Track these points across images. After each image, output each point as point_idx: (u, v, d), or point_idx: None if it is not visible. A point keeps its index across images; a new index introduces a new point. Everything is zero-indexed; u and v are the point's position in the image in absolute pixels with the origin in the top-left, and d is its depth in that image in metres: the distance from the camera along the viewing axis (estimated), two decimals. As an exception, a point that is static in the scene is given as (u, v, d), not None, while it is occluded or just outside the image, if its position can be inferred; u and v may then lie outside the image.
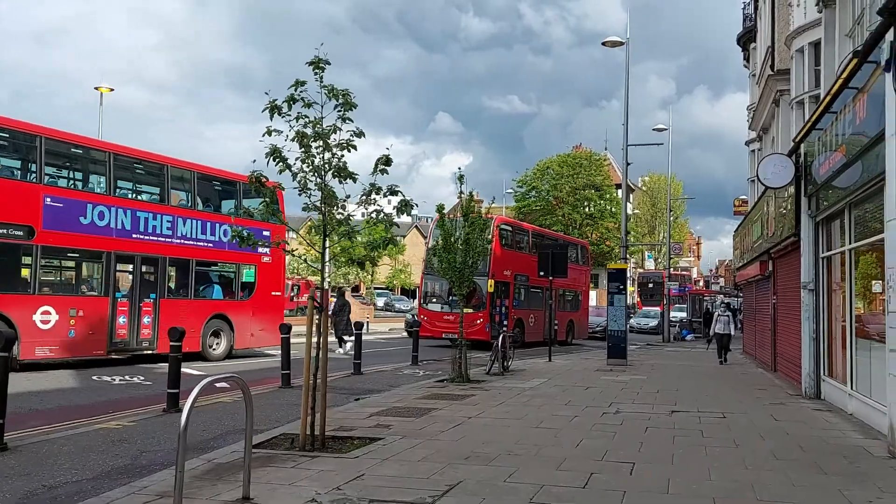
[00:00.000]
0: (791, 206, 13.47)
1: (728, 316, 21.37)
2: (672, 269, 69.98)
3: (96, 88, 31.95)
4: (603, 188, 63.86)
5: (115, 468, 6.66)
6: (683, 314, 41.00)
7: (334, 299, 22.03)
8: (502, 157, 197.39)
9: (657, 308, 42.94)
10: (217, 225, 17.90)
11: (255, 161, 7.25)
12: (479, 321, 23.54)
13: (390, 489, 5.75)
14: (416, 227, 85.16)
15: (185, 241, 17.06)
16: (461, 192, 14.68)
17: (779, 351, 17.29)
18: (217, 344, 17.94)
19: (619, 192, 77.72)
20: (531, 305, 27.14)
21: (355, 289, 70.18)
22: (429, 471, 6.40)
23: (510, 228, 27.55)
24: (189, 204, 17.62)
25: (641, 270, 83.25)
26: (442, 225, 14.66)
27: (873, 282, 9.34)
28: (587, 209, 63.85)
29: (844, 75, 8.98)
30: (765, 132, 21.77)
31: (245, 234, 7.43)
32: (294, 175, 7.38)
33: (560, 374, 16.26)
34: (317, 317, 7.66)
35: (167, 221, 16.69)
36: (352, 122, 7.73)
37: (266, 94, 7.51)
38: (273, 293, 19.65)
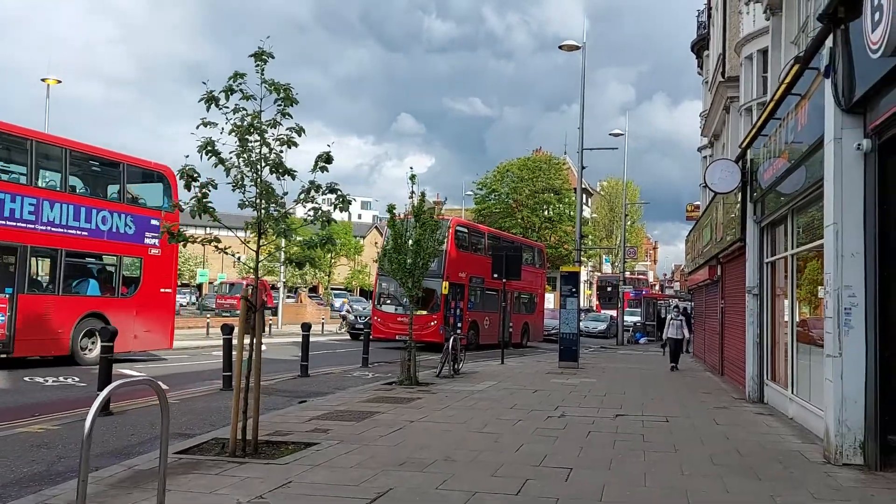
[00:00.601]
0: (738, 211, 13.61)
1: (681, 321, 20.71)
2: (629, 273, 71.09)
3: (43, 80, 30.96)
4: (562, 192, 64.26)
5: (28, 475, 6.32)
6: (637, 318, 41.35)
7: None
8: (464, 159, 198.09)
9: (608, 312, 43.31)
10: (94, 211, 15.92)
11: (188, 156, 6.97)
12: (432, 323, 23.37)
13: (316, 497, 5.54)
14: (375, 227, 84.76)
15: (53, 229, 14.98)
16: (412, 193, 14.50)
17: (726, 355, 17.49)
18: (92, 345, 15.76)
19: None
20: (486, 307, 26.98)
21: (313, 289, 69.50)
22: (360, 478, 6.19)
23: (466, 230, 27.43)
24: (59, 186, 15.40)
25: (599, 274, 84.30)
26: (393, 225, 14.45)
27: (819, 287, 9.43)
28: (546, 212, 64.16)
29: (787, 80, 9.05)
30: (716, 139, 22.07)
31: (172, 231, 7.12)
32: (227, 170, 7.11)
33: (511, 376, 16.18)
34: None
35: (30, 205, 14.55)
36: (291, 117, 7.51)
37: (204, 83, 7.25)
38: (162, 290, 17.67)
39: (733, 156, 16.22)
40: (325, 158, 7.74)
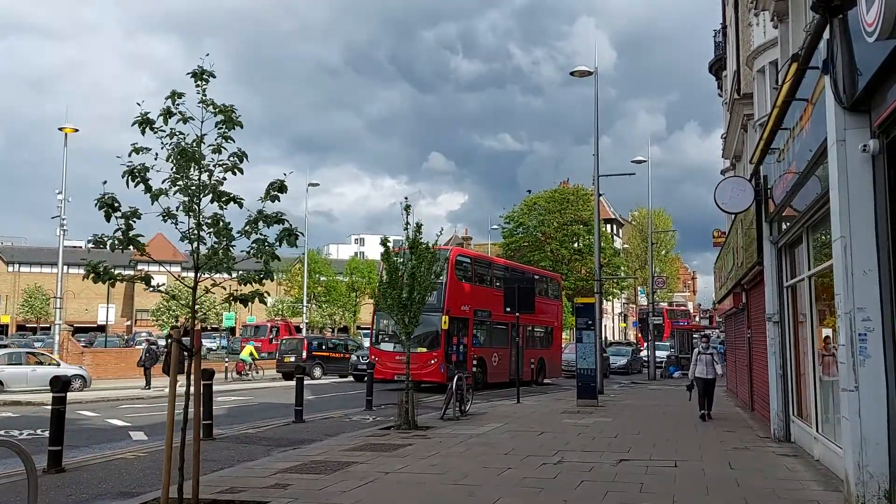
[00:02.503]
0: (755, 232, 12.60)
1: (711, 354, 15.47)
2: (667, 304, 69.10)
3: (60, 129, 31.29)
4: (591, 223, 62.98)
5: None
6: (667, 352, 39.56)
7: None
8: (495, 194, 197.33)
9: (626, 346, 41.49)
10: None
11: (105, 182, 6.32)
12: (432, 361, 21.91)
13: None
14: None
15: None
16: (407, 224, 13.78)
17: (755, 388, 16.24)
18: None
19: (609, 226, 77.42)
20: (494, 343, 25.33)
21: (343, 329, 68.94)
22: (290, 546, 5.36)
23: (469, 260, 25.82)
24: None
25: (634, 306, 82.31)
26: (387, 259, 13.74)
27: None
28: (575, 244, 63.01)
29: (788, 80, 8.17)
30: (737, 160, 21.05)
31: (101, 268, 6.46)
32: (154, 197, 6.45)
33: (521, 417, 15.17)
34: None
35: None
36: (233, 141, 6.88)
37: (138, 104, 6.65)
38: None
39: (752, 175, 15.25)
40: (279, 187, 7.07)
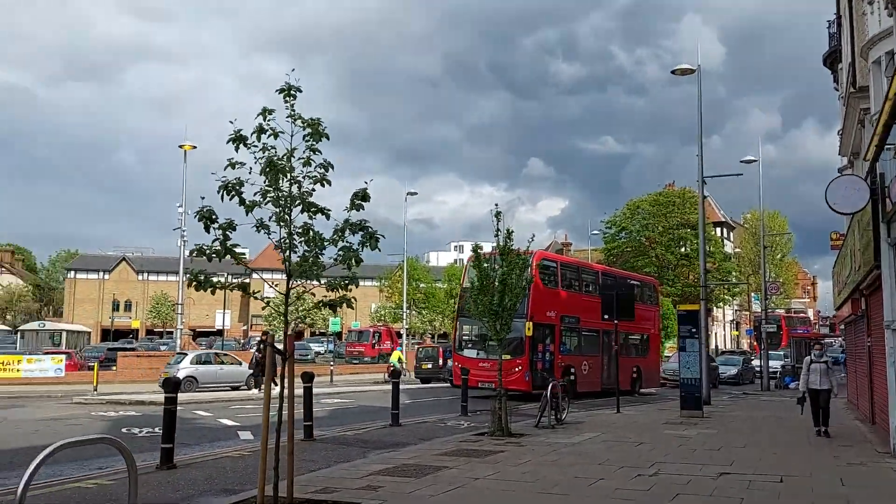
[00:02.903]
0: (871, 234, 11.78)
1: (826, 363, 14.26)
2: (784, 311, 65.48)
3: (180, 147, 33.39)
4: (698, 226, 60.87)
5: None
6: (781, 361, 37.42)
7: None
8: (598, 199, 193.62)
9: (742, 354, 39.31)
10: None
11: (203, 198, 6.72)
12: (517, 369, 21.10)
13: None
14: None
15: None
16: (498, 230, 13.81)
17: (875, 400, 15.15)
18: None
19: (718, 230, 74.33)
20: (583, 351, 24.41)
21: (443, 336, 69.61)
22: (373, 547, 5.48)
23: (554, 265, 24.83)
24: None
25: (748, 313, 78.50)
26: (478, 265, 13.79)
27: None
28: (682, 249, 60.89)
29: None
30: (855, 157, 19.76)
31: (202, 276, 6.86)
32: (248, 210, 6.78)
33: (620, 427, 14.81)
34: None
35: None
36: (321, 153, 7.14)
37: (231, 122, 7.02)
38: None
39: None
40: (361, 196, 7.29)
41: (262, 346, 23.12)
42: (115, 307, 77.12)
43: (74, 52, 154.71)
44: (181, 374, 23.44)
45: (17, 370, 28.70)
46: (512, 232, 13.74)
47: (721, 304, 68.23)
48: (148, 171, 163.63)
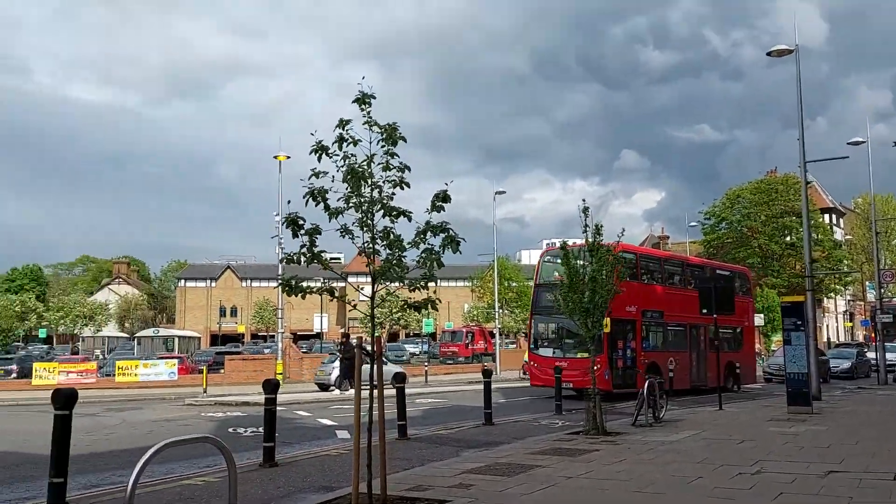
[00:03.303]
0: None
1: None
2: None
3: (275, 157, 34.67)
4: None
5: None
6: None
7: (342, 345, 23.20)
8: (695, 189, 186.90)
9: (858, 346, 36.83)
10: None
11: (290, 202, 6.99)
12: (595, 367, 20.69)
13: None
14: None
15: None
16: (586, 226, 13.63)
17: None
18: None
19: (826, 216, 70.34)
20: (669, 346, 23.21)
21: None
22: (463, 544, 5.54)
23: (633, 256, 23.31)
24: None
25: (862, 303, 73.92)
26: (567, 263, 13.65)
27: None
28: (787, 238, 58.10)
29: None
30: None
31: (293, 282, 7.12)
32: (332, 215, 6.99)
33: (721, 425, 14.30)
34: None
35: None
36: (398, 156, 7.28)
37: (312, 134, 7.27)
38: None
39: None
40: (442, 198, 7.37)
41: (342, 347, 23.82)
42: (222, 313, 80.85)
43: (176, 71, 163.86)
44: (333, 375, 25.01)
45: (135, 374, 30.61)
46: (601, 227, 13.53)
47: (832, 294, 64.63)
48: (247, 181, 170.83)
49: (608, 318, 19.77)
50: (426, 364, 35.28)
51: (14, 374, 33.63)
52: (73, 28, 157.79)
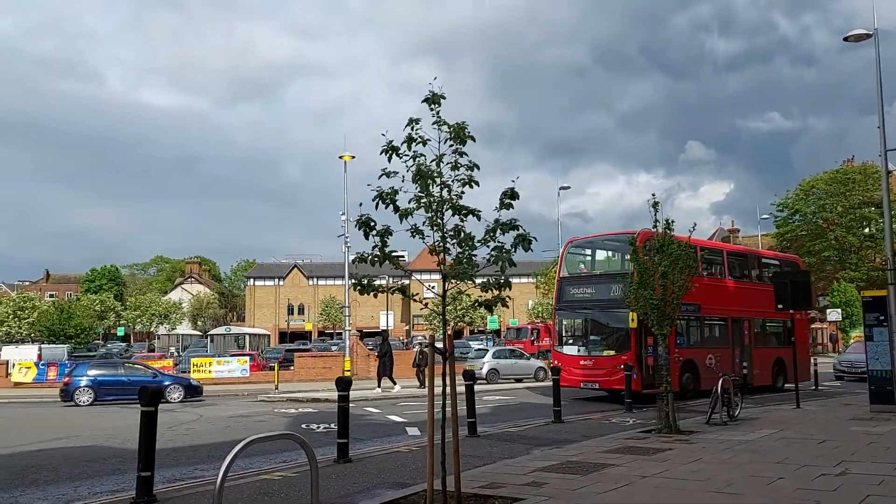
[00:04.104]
0: None
1: None
2: None
3: (340, 157, 35.21)
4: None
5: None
6: None
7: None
8: (765, 181, 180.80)
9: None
10: None
11: (361, 204, 7.09)
12: (622, 366, 18.64)
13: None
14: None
15: None
16: (656, 222, 13.38)
17: None
18: None
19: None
20: (707, 342, 21.48)
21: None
22: (540, 543, 5.53)
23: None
24: None
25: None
26: (636, 259, 13.44)
27: None
28: (866, 230, 55.72)
29: None
30: None
31: (366, 281, 7.24)
32: (402, 217, 7.07)
33: (799, 423, 13.85)
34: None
35: None
36: (466, 155, 7.30)
37: (383, 135, 7.36)
38: None
39: None
40: (510, 195, 7.37)
41: (380, 347, 24.29)
42: (290, 311, 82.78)
43: (241, 74, 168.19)
44: (485, 368, 26.75)
45: (209, 371, 31.58)
46: (672, 221, 13.27)
47: (916, 287, 61.65)
48: (310, 181, 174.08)
49: (634, 314, 18.06)
50: (492, 361, 35.21)
51: (97, 371, 35.12)
52: (141, 35, 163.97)
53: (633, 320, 18.42)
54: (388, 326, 45.86)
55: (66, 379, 22.95)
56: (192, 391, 22.80)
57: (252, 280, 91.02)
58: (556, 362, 20.80)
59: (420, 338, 52.35)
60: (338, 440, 9.91)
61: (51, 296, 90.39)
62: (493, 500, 7.22)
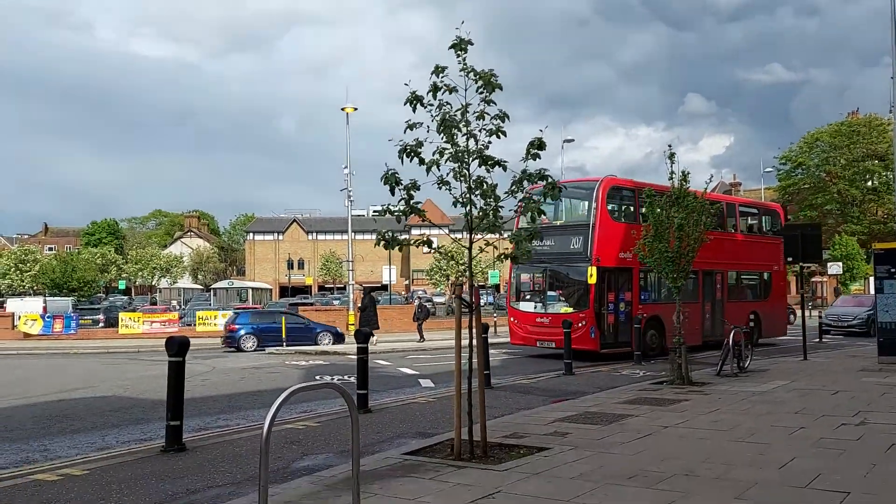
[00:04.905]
0: None
1: None
2: None
3: (342, 109, 34.76)
4: (887, 157, 55.09)
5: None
6: None
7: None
8: (766, 134, 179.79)
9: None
10: None
11: (386, 164, 6.96)
12: (580, 324, 17.54)
13: (515, 512, 5.07)
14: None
15: None
16: (672, 173, 13.26)
17: None
18: None
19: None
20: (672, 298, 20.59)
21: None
22: (576, 491, 5.58)
23: (630, 192, 19.34)
24: None
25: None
26: (652, 212, 13.34)
27: None
28: (869, 183, 55.50)
29: None
30: None
31: (390, 235, 7.17)
32: (428, 168, 6.95)
33: (809, 375, 13.97)
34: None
35: None
36: (495, 104, 7.16)
37: (405, 84, 7.19)
38: None
39: None
40: (537, 145, 7.27)
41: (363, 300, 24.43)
42: (290, 265, 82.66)
43: (233, 24, 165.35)
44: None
45: (214, 324, 31.71)
46: (688, 174, 13.13)
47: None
48: (307, 134, 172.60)
49: (594, 268, 17.58)
50: (494, 315, 35.43)
51: (101, 324, 35.28)
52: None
53: (591, 275, 17.58)
54: (390, 281, 45.89)
55: (231, 326, 24.73)
56: (338, 337, 25.18)
57: (251, 234, 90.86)
58: (512, 319, 19.90)
59: (420, 292, 52.50)
60: (357, 391, 9.94)
61: (50, 249, 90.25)
62: (518, 449, 7.27)
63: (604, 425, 8.56)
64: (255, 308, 36.89)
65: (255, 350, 23.39)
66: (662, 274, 13.38)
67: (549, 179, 7.04)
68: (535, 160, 7.23)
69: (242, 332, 24.27)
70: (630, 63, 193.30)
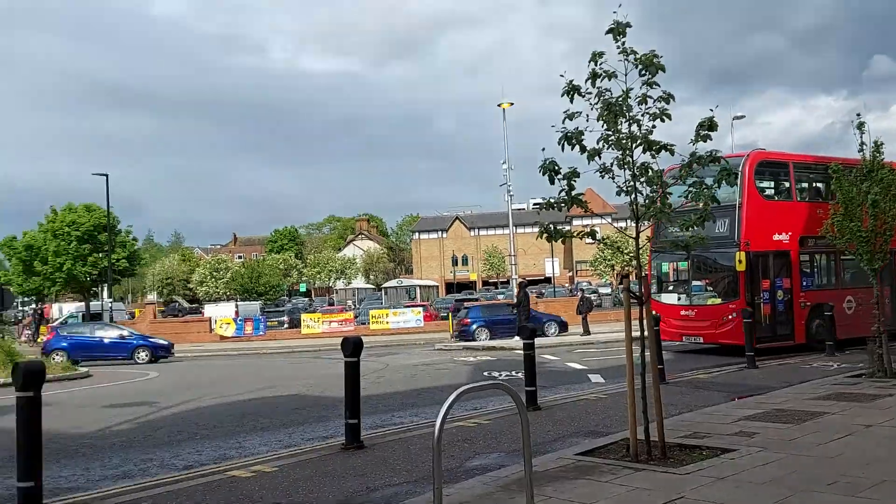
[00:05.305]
0: None
1: None
2: None
3: (499, 105, 34.87)
4: None
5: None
6: None
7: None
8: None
9: None
10: None
11: (544, 149, 6.81)
12: (730, 316, 15.96)
13: (699, 520, 4.76)
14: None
15: None
16: (862, 143, 11.98)
17: None
18: None
19: None
20: (843, 284, 17.67)
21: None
22: (767, 498, 5.15)
23: (785, 167, 17.36)
24: None
25: None
26: (840, 187, 12.11)
27: None
28: None
29: None
30: None
31: (553, 227, 7.01)
32: (590, 157, 6.72)
33: None
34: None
35: None
36: (658, 86, 6.80)
37: (561, 76, 7.01)
38: None
39: None
40: (708, 126, 6.84)
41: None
42: (454, 262, 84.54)
43: (392, 32, 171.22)
44: None
45: (387, 322, 33.13)
46: (881, 144, 11.79)
47: None
48: (464, 133, 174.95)
49: (742, 253, 15.79)
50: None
51: (286, 325, 37.98)
52: (298, 4, 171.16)
53: (740, 262, 15.86)
54: (553, 273, 45.57)
55: (465, 321, 26.49)
56: (563, 326, 26.94)
57: (417, 234, 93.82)
58: (655, 313, 18.35)
59: (584, 284, 51.53)
60: (526, 388, 9.87)
61: (239, 257, 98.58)
62: (700, 451, 6.85)
63: (796, 424, 7.88)
64: (484, 303, 37.50)
65: (486, 341, 24.56)
66: (856, 256, 12.11)
67: (723, 162, 6.58)
68: (704, 142, 6.80)
69: (475, 325, 25.65)
70: (804, 28, 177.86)
